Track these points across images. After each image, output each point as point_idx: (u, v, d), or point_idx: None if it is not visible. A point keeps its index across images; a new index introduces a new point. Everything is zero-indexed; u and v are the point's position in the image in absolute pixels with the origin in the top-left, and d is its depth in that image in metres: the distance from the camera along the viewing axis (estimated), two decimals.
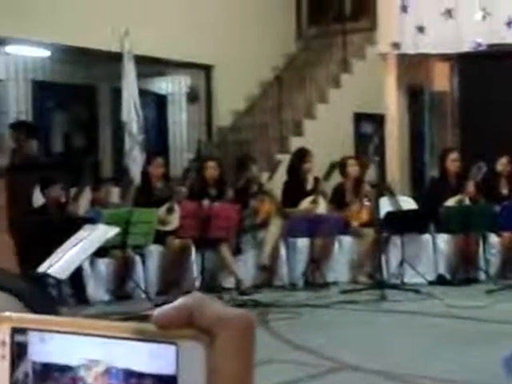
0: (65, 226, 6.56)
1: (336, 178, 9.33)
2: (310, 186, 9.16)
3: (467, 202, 9.06)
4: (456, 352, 5.43)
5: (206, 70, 11.49)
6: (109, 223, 6.77)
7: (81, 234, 4.89)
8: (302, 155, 9.35)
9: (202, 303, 0.47)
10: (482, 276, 8.89)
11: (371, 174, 9.00)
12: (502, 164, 9.36)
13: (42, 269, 4.73)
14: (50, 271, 4.68)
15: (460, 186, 9.14)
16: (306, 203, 8.94)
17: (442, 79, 12.60)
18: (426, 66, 12.53)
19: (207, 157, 9.49)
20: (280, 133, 10.99)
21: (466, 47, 11.33)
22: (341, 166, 9.36)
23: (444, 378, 4.58)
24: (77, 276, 7.58)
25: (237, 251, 8.55)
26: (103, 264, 7.93)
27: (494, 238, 9.11)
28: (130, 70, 9.62)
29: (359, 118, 11.79)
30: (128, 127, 9.64)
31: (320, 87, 11.61)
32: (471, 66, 11.84)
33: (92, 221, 6.92)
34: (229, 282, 8.31)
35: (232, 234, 8.21)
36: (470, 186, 9.09)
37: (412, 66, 12.19)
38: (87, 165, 8.74)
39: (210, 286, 8.04)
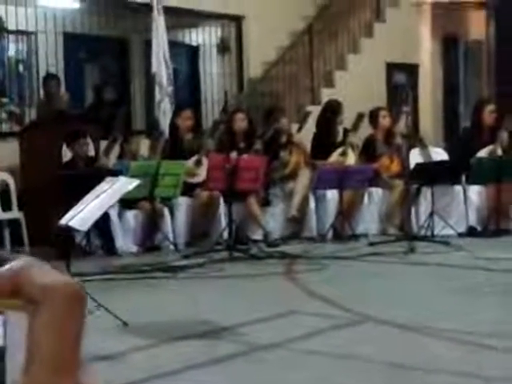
0: (93, 180, 6.58)
1: (366, 130, 9.23)
2: (339, 137, 9.08)
3: (500, 152, 8.93)
4: (483, 304, 5.39)
5: (237, 20, 11.38)
6: (136, 176, 6.77)
7: (102, 186, 4.90)
8: (332, 107, 9.24)
9: (30, 270, 0.45)
10: None
11: (403, 125, 8.88)
12: None
13: (64, 221, 4.77)
14: (71, 223, 4.71)
15: (493, 136, 9.00)
16: (335, 156, 8.87)
17: (477, 28, 12.36)
18: (461, 15, 12.30)
19: (236, 108, 9.44)
20: (311, 84, 10.90)
21: None
22: (372, 117, 9.25)
23: (468, 331, 4.54)
24: (106, 228, 7.65)
25: (265, 203, 8.53)
26: (132, 216, 7.98)
27: None
28: (160, 22, 9.55)
29: (392, 68, 11.63)
30: (158, 79, 9.61)
31: (352, 37, 11.45)
32: (507, 14, 11.59)
33: (119, 173, 6.92)
34: (257, 234, 8.31)
35: (260, 186, 8.18)
36: (503, 137, 8.95)
37: (447, 15, 11.97)
38: (118, 117, 8.74)
39: (238, 237, 8.05)
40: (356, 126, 8.88)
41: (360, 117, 8.91)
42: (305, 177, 8.62)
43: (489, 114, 9.18)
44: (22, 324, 0.39)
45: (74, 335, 0.40)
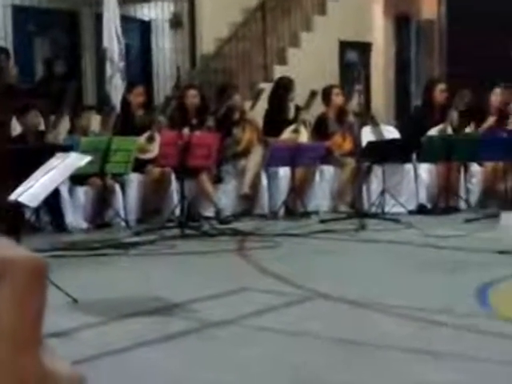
0: (44, 155, 6.47)
1: (318, 107, 9.24)
2: (291, 115, 9.08)
3: (450, 131, 9.02)
4: (433, 280, 5.46)
5: None
6: (86, 151, 6.69)
7: (52, 161, 4.83)
8: (284, 84, 9.24)
9: None
10: (463, 205, 8.92)
11: (355, 103, 8.91)
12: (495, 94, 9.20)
13: (13, 196, 4.69)
14: (20, 199, 4.64)
15: (444, 115, 9.09)
16: (287, 133, 8.88)
17: (429, 7, 12.43)
18: None
19: (188, 85, 9.38)
20: (263, 61, 10.87)
21: None
22: (324, 95, 9.26)
23: (419, 307, 4.59)
24: (56, 204, 7.56)
25: (217, 180, 8.51)
26: (82, 192, 7.89)
27: (475, 168, 9.12)
28: None
29: (344, 46, 11.64)
30: (109, 54, 9.49)
31: (305, 14, 11.43)
32: None
33: (69, 149, 6.83)
34: (209, 211, 8.30)
35: (212, 162, 8.15)
36: (454, 116, 9.05)
37: None
38: (68, 92, 8.61)
39: (190, 214, 8.02)
40: (309, 104, 8.88)
41: (313, 94, 8.91)
42: (257, 154, 8.61)
43: (439, 93, 9.25)
44: None
45: (35, 311, 0.39)
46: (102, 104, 9.50)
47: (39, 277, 0.39)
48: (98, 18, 10.23)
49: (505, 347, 3.89)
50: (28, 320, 0.39)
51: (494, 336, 4.05)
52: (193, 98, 8.63)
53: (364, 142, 8.57)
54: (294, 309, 4.73)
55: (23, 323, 0.39)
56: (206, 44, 11.26)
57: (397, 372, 3.53)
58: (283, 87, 9.21)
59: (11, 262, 0.37)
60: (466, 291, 5.00)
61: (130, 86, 8.93)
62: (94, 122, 8.66)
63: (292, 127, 8.88)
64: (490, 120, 9.07)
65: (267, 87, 9.47)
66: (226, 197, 8.54)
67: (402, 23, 12.17)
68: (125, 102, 8.72)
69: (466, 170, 9.10)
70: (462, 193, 9.02)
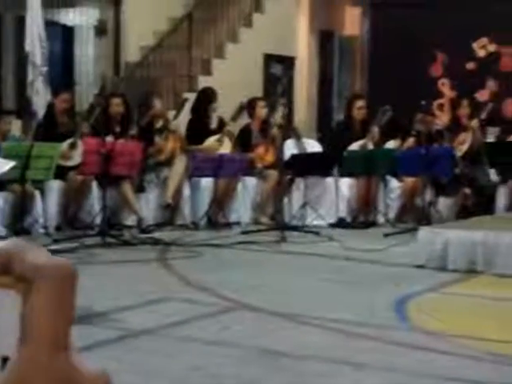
0: None
1: (243, 119, 9.29)
2: (214, 125, 9.11)
3: (371, 146, 9.18)
4: (352, 293, 5.54)
5: (115, 2, 11.21)
6: (7, 157, 6.58)
7: None
8: (207, 94, 9.27)
9: (23, 250, 0.43)
10: (381, 219, 9.07)
11: (279, 116, 8.99)
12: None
13: None
14: None
15: (365, 130, 9.24)
16: (211, 140, 8.90)
17: (352, 24, 12.63)
18: (338, 10, 12.54)
19: (112, 93, 9.32)
20: (188, 71, 10.86)
21: None
22: (249, 106, 9.32)
23: (338, 319, 4.66)
24: None
25: (140, 189, 8.46)
26: (1, 198, 7.74)
27: (394, 183, 9.30)
28: None
29: (269, 59, 11.73)
30: (31, 58, 9.35)
31: (231, 26, 11.48)
32: (381, 11, 11.91)
33: None
34: (130, 220, 8.24)
35: (135, 171, 8.11)
36: (375, 131, 9.20)
37: (324, 10, 12.18)
38: None
39: (111, 223, 7.96)
40: (236, 116, 8.95)
41: (241, 108, 8.98)
42: (180, 164, 8.60)
43: (357, 109, 9.41)
44: (10, 302, 0.38)
45: (68, 313, 0.39)
46: (23, 109, 9.35)
47: (70, 282, 0.39)
48: (21, 22, 10.06)
49: (422, 358, 3.98)
50: (62, 324, 0.40)
51: (412, 348, 4.14)
52: (117, 106, 8.57)
53: (287, 155, 8.65)
54: (216, 319, 4.74)
55: (58, 327, 0.40)
56: (131, 52, 11.20)
57: (318, 382, 3.57)
58: (206, 98, 9.24)
59: (44, 269, 0.37)
60: (384, 304, 5.10)
61: (55, 92, 8.82)
62: (15, 126, 8.52)
63: (216, 137, 8.91)
64: (410, 141, 9.24)
65: (192, 97, 9.48)
66: (147, 206, 8.49)
67: (326, 38, 12.34)
68: (50, 108, 8.61)
69: (386, 184, 9.27)
70: (381, 207, 9.18)
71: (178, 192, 8.56)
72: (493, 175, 9.13)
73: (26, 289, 0.42)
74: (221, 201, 8.61)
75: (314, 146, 9.63)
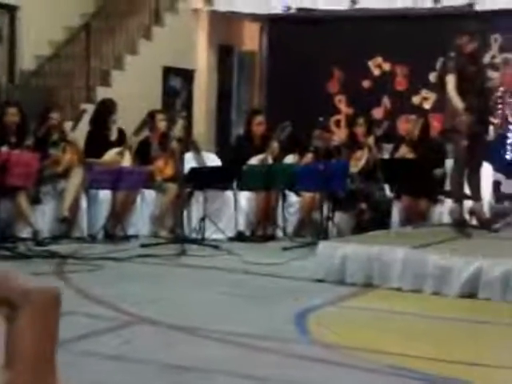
0: None
1: (144, 132, 9.23)
2: (114, 137, 9.02)
3: (270, 161, 9.25)
4: (252, 307, 5.56)
5: (11, 10, 10.98)
6: None
7: None
8: (107, 106, 9.17)
9: (7, 276, 0.42)
10: (280, 233, 9.15)
11: (179, 129, 8.97)
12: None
13: None
14: None
15: (264, 145, 9.31)
16: (110, 154, 8.80)
17: (251, 39, 12.74)
18: (237, 26, 12.63)
19: (7, 101, 9.10)
20: (86, 82, 10.72)
21: (275, 9, 11.52)
22: (148, 119, 9.25)
23: (239, 333, 4.66)
24: None
25: (36, 200, 8.27)
26: None
27: (293, 197, 9.40)
28: None
29: (168, 72, 11.70)
30: None
31: (130, 38, 11.40)
32: (280, 28, 12.05)
33: None
34: (25, 232, 8.05)
35: (30, 182, 7.92)
36: (274, 146, 9.28)
37: (223, 24, 12.24)
38: None
39: (5, 235, 7.75)
40: (139, 131, 8.89)
41: (144, 123, 8.93)
42: (77, 176, 8.45)
43: (256, 125, 9.48)
44: None
45: (53, 336, 0.38)
46: None
47: (54, 306, 0.38)
48: None
49: (322, 371, 4.02)
50: (48, 345, 0.38)
51: (313, 361, 4.18)
52: (12, 115, 8.36)
53: (186, 168, 8.63)
54: (116, 333, 4.67)
55: (44, 348, 0.38)
56: (27, 60, 10.98)
57: None
58: (106, 109, 9.13)
59: (30, 293, 0.36)
60: (284, 318, 5.14)
61: None
62: None
63: (117, 150, 8.82)
64: (309, 156, 9.38)
65: (90, 108, 9.35)
66: (43, 218, 8.31)
67: (225, 53, 12.39)
68: None
69: (284, 199, 9.36)
70: (280, 221, 9.26)
71: (75, 204, 8.41)
72: (388, 191, 9.34)
73: (11, 313, 0.40)
74: (119, 214, 8.51)
75: (213, 160, 9.65)
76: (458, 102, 7.57)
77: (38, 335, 0.39)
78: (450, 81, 7.66)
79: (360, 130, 9.55)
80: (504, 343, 4.92)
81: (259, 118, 9.56)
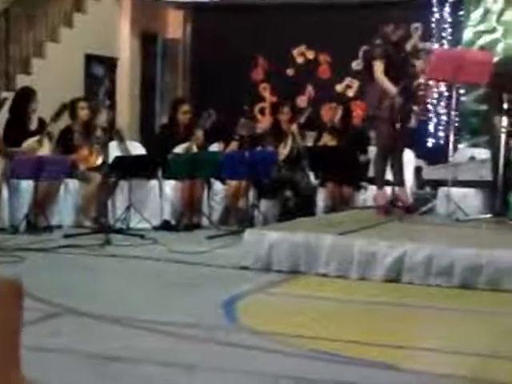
0: None
1: (66, 120, 9.09)
2: (34, 126, 8.85)
3: (195, 149, 9.22)
4: (179, 296, 5.54)
5: None
6: None
7: None
8: (26, 94, 8.98)
9: None
10: (206, 222, 9.14)
11: (102, 117, 8.86)
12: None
13: None
14: None
15: (189, 133, 9.28)
16: (30, 142, 8.63)
17: (175, 27, 12.65)
18: (161, 13, 12.52)
19: None
20: (6, 70, 10.48)
21: None
22: (70, 108, 9.11)
23: (167, 321, 4.64)
24: None
25: None
26: None
27: (218, 186, 9.40)
28: None
29: (91, 60, 11.52)
30: None
31: (51, 25, 11.18)
32: (204, 16, 12.01)
33: None
34: None
35: None
36: (199, 134, 9.25)
37: (147, 12, 12.12)
38: None
39: None
40: (58, 116, 8.72)
41: (63, 108, 8.77)
42: None
43: (182, 114, 9.44)
44: None
45: (15, 328, 0.36)
46: None
47: (16, 297, 0.36)
48: None
49: (251, 358, 4.04)
50: (11, 337, 0.36)
51: (241, 348, 4.19)
52: None
53: (110, 157, 8.53)
54: (42, 325, 4.59)
55: (8, 341, 0.36)
56: None
57: None
58: (25, 98, 8.94)
59: None
60: (212, 306, 5.13)
61: None
62: None
63: (35, 138, 8.66)
64: (234, 144, 9.40)
65: (10, 96, 9.16)
66: None
67: (149, 40, 12.27)
68: None
69: (210, 187, 9.35)
70: (205, 210, 9.25)
71: None
72: (312, 178, 9.42)
73: None
74: (42, 203, 8.37)
75: (137, 149, 9.57)
76: (389, 86, 7.70)
77: (2, 327, 0.37)
78: (379, 67, 7.77)
79: (284, 117, 9.60)
80: (427, 326, 5.02)
81: (184, 107, 9.51)
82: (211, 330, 4.52)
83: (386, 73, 7.75)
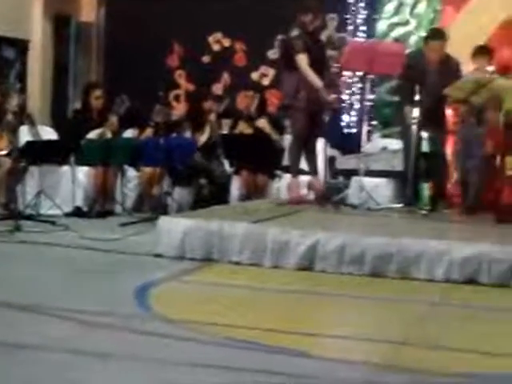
0: None
1: None
2: None
3: (109, 135, 9.10)
4: (91, 283, 5.47)
5: None
6: None
7: None
8: None
9: None
10: (119, 209, 9.04)
11: (12, 101, 8.66)
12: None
13: None
14: None
15: (103, 119, 9.16)
16: None
17: (89, 10, 12.44)
18: None
19: None
20: None
21: None
22: None
23: (79, 309, 4.57)
24: None
25: None
26: None
27: (132, 172, 9.31)
28: None
29: (1, 41, 11.23)
30: None
31: None
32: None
33: None
34: None
35: None
36: (113, 120, 9.14)
37: None
38: None
39: None
40: None
41: None
42: None
43: (95, 99, 9.31)
44: None
45: None
46: None
47: None
48: None
49: (166, 346, 4.01)
50: None
51: (156, 336, 4.16)
52: None
53: (21, 142, 8.36)
54: None
55: None
56: None
57: (66, 375, 3.47)
58: None
59: None
60: (125, 293, 5.08)
61: None
62: None
63: None
64: (148, 131, 9.33)
65: None
66: None
67: (62, 23, 12.03)
68: None
69: (123, 174, 9.25)
70: (119, 197, 9.15)
71: None
72: (227, 166, 9.42)
73: None
74: None
75: (49, 133, 9.39)
76: (315, 80, 7.75)
77: None
78: (303, 60, 7.81)
79: (201, 105, 9.58)
80: (339, 313, 5.08)
81: (97, 92, 9.38)
82: (124, 318, 4.48)
83: (309, 65, 7.81)
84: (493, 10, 9.40)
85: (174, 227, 6.49)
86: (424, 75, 7.90)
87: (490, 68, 8.88)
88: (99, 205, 8.91)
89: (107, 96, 9.42)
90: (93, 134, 9.02)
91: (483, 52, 8.34)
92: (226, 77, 11.48)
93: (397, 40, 9.98)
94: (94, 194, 8.93)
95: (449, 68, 7.94)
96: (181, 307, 4.92)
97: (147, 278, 5.59)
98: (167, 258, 6.37)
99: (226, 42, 11.52)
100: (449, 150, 8.41)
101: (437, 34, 8.20)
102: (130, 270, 5.96)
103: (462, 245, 5.92)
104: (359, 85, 10.46)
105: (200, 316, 4.62)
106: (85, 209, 8.90)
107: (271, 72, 11.18)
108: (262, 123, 9.40)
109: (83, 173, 8.97)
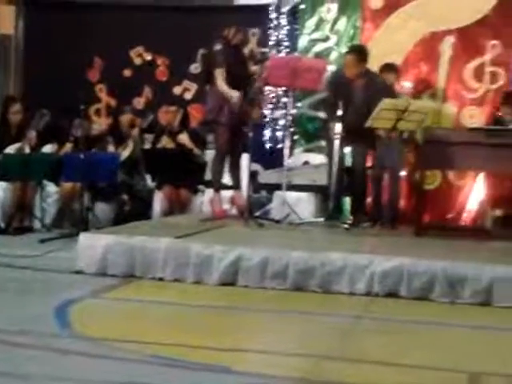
0: None
1: None
2: None
3: (28, 150, 8.95)
4: (8, 302, 5.34)
5: None
6: None
7: None
8: None
9: None
10: (38, 225, 8.88)
11: None
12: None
13: None
14: None
15: (21, 133, 9.00)
16: None
17: (7, 23, 12.22)
18: None
19: None
20: None
21: None
22: None
23: None
24: None
25: None
26: None
27: (51, 187, 9.16)
28: None
29: None
30: None
31: None
32: (38, 12, 11.68)
33: None
34: None
35: None
36: (32, 135, 8.99)
37: None
38: None
39: None
40: None
41: None
42: None
43: (13, 114, 9.17)
44: None
45: None
46: None
47: None
48: None
49: (87, 365, 3.94)
50: None
51: (76, 355, 4.08)
52: None
53: None
54: None
55: None
56: None
57: None
58: None
59: None
60: (44, 311, 4.98)
61: None
62: None
63: None
64: (68, 146, 9.22)
65: None
66: None
67: None
68: None
69: (42, 189, 9.10)
70: (38, 212, 8.98)
71: None
72: (149, 181, 9.36)
73: None
74: None
75: None
76: (231, 93, 7.79)
77: None
78: (220, 75, 7.84)
79: (123, 119, 9.50)
80: (262, 329, 5.08)
81: (15, 106, 9.23)
82: (43, 337, 4.38)
83: (228, 79, 7.83)
84: (410, 28, 9.59)
85: (95, 243, 6.40)
86: (348, 91, 7.99)
87: (407, 84, 9.07)
88: (17, 221, 8.73)
89: (27, 110, 9.26)
90: (11, 149, 8.85)
91: (391, 69, 8.53)
92: (147, 91, 11.41)
93: (318, 56, 10.07)
94: (12, 209, 8.75)
95: (374, 84, 8.03)
96: (103, 325, 4.84)
97: (67, 295, 5.49)
98: (88, 274, 6.28)
99: (148, 56, 11.46)
100: (369, 164, 8.52)
101: (351, 49, 8.35)
102: (50, 287, 5.85)
103: (382, 258, 5.99)
104: (283, 99, 10.51)
105: (123, 334, 4.55)
106: (2, 225, 8.72)
107: (194, 86, 11.16)
108: (183, 138, 9.37)
109: (1, 188, 8.79)
